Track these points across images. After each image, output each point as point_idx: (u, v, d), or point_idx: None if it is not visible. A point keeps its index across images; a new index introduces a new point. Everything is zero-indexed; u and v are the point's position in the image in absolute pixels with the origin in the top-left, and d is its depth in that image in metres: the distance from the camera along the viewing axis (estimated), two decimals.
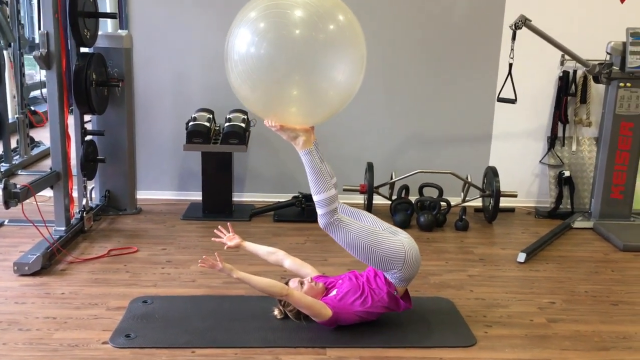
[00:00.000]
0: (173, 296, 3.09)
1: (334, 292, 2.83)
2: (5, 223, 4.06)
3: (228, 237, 3.02)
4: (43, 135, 6.47)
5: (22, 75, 5.55)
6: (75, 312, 2.89)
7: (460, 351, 2.64)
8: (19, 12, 5.46)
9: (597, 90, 4.67)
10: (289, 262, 3.03)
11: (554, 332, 2.83)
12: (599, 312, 3.07)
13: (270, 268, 3.46)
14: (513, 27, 3.89)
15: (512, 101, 4.02)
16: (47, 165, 5.87)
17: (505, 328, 2.86)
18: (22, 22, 5.58)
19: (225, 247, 3.00)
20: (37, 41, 6.87)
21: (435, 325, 2.86)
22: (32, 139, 6.05)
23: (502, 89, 4.10)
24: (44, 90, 8.34)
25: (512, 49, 3.93)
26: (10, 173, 5.28)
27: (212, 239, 3.06)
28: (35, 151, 6.01)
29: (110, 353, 2.55)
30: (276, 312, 2.86)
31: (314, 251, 3.81)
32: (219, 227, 3.07)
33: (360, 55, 2.52)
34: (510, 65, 3.99)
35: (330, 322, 2.72)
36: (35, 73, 7.29)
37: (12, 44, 5.29)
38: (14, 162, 5.46)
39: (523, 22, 3.87)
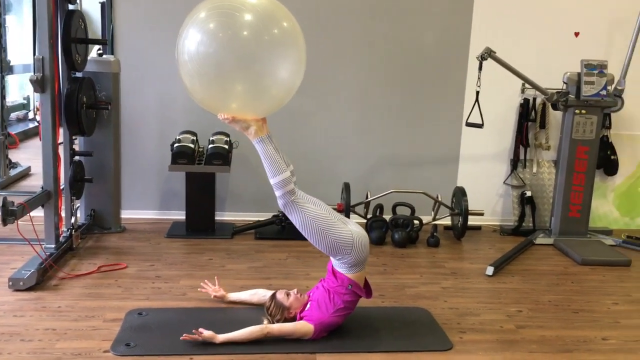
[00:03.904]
0: (166, 308, 3.25)
1: (308, 306, 3.03)
2: None
3: (213, 289, 3.34)
4: (17, 157, 6.53)
5: (3, 97, 5.64)
6: (73, 324, 3.02)
7: (438, 355, 2.87)
8: (0, 36, 5.57)
9: (555, 116, 5.04)
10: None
11: (522, 337, 3.09)
12: (562, 319, 3.35)
13: (258, 282, 3.67)
14: (479, 58, 4.23)
15: (480, 126, 4.33)
16: (25, 185, 5.97)
17: (478, 334, 3.11)
18: (4, 45, 5.66)
19: (212, 297, 3.32)
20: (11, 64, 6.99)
21: (415, 332, 3.09)
22: (9, 160, 6.11)
23: (470, 114, 4.42)
24: (18, 113, 8.47)
25: (478, 78, 4.26)
26: None
27: (199, 289, 3.36)
28: (13, 172, 6.06)
29: None
30: (265, 322, 3.04)
31: (296, 266, 4.01)
32: (205, 281, 3.39)
33: (299, 55, 2.74)
34: (477, 92, 4.31)
35: (317, 334, 2.91)
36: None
37: None
38: None
39: (488, 54, 4.21)
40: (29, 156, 6.99)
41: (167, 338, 2.89)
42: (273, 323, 2.98)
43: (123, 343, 2.82)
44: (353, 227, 2.96)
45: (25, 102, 8.51)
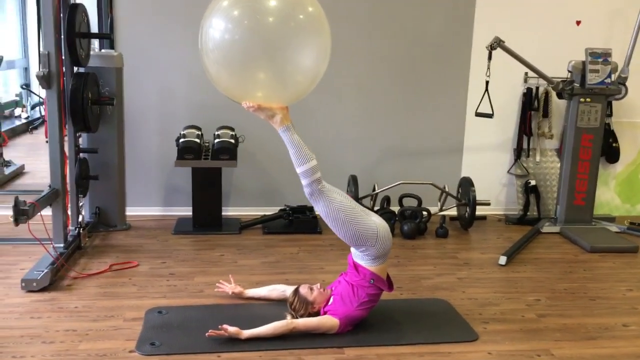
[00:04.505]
0: (186, 306, 3.20)
1: (331, 300, 3.01)
2: None
3: (230, 287, 3.31)
4: (7, 155, 6.37)
5: None
6: (93, 324, 2.96)
7: (465, 345, 2.86)
8: None
9: (557, 105, 5.06)
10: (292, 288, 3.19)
11: (545, 326, 3.10)
12: (581, 307, 3.37)
13: (274, 277, 3.64)
14: (489, 48, 4.22)
15: (490, 116, 4.33)
16: (20, 184, 5.85)
17: (501, 324, 3.11)
18: None
19: (230, 293, 3.30)
20: None
21: (439, 323, 3.08)
22: (3, 159, 5.97)
23: (479, 104, 4.41)
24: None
25: (488, 68, 4.26)
26: None
27: (215, 289, 3.33)
28: (7, 170, 5.93)
29: None
30: (288, 317, 2.99)
31: (310, 260, 3.98)
32: (221, 280, 3.36)
33: (325, 41, 2.71)
34: (487, 82, 4.31)
35: (343, 328, 2.89)
36: None
37: None
38: None
39: (498, 43, 4.20)
40: (21, 154, 6.87)
41: (191, 336, 2.85)
42: (297, 318, 2.95)
43: (148, 342, 2.77)
44: (376, 219, 2.94)
45: (17, 99, 8.34)
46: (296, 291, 3.03)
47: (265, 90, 2.67)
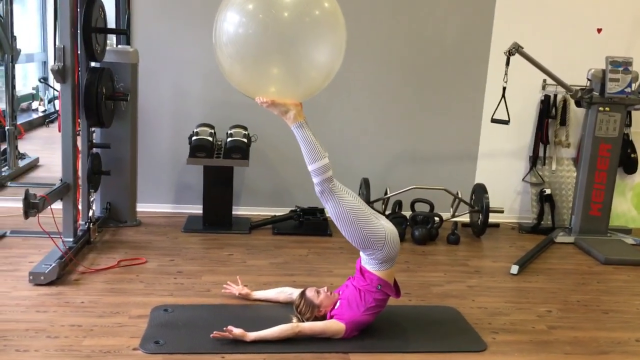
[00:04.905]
0: (192, 305, 3.18)
1: (338, 304, 2.97)
2: (7, 234, 4.06)
3: (237, 289, 3.29)
4: (23, 147, 6.39)
5: (13, 87, 5.54)
6: (99, 320, 2.95)
7: (474, 356, 2.82)
8: (10, 25, 5.46)
9: (575, 113, 4.98)
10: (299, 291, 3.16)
11: (555, 338, 3.04)
12: (593, 320, 3.30)
13: (281, 278, 3.61)
14: (507, 53, 4.16)
15: (506, 122, 4.27)
16: (34, 177, 5.87)
17: (511, 334, 3.05)
18: (15, 34, 5.55)
19: (237, 294, 3.27)
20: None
21: (447, 332, 3.03)
22: (18, 151, 6.00)
23: (495, 110, 4.35)
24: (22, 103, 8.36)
25: (505, 74, 4.20)
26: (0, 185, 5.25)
27: (222, 291, 3.31)
28: (22, 163, 5.96)
29: (143, 359, 2.62)
30: (294, 320, 2.97)
31: (318, 262, 3.94)
32: (228, 282, 3.34)
33: (340, 37, 2.70)
34: (504, 88, 4.25)
35: (349, 333, 2.85)
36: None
37: (6, 55, 5.29)
38: (2, 174, 5.42)
39: (516, 49, 4.14)
40: (36, 147, 6.89)
41: (196, 335, 2.82)
42: (302, 321, 2.91)
43: (152, 340, 2.75)
44: (385, 223, 2.91)
45: (34, 92, 8.39)
46: (303, 294, 3.00)
47: (279, 85, 2.65)
